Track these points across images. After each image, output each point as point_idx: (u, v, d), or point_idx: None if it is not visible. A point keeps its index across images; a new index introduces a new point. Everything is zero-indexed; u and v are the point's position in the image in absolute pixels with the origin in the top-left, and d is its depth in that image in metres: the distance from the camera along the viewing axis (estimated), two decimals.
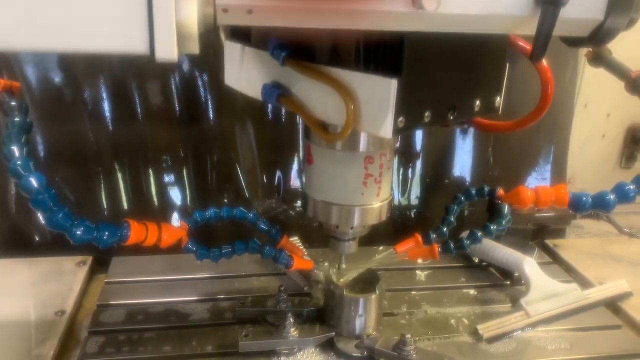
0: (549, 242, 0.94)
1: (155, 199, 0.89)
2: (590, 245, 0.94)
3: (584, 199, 0.59)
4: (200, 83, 0.85)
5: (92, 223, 0.50)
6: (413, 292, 0.78)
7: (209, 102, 0.86)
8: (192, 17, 0.34)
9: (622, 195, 0.58)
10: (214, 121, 0.87)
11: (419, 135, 0.94)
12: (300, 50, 0.48)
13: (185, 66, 0.84)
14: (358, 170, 0.55)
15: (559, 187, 0.61)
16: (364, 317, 0.64)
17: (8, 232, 0.86)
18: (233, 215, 0.64)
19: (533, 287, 0.75)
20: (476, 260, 0.86)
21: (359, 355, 0.63)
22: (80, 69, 0.81)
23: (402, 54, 0.43)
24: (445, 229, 0.67)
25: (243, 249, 0.62)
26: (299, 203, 0.93)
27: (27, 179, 0.46)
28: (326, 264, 0.70)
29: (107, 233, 0.50)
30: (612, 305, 0.76)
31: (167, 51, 0.34)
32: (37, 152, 0.83)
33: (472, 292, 0.79)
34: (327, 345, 0.65)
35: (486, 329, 0.68)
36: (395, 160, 0.94)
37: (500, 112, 0.54)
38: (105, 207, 0.88)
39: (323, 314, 0.68)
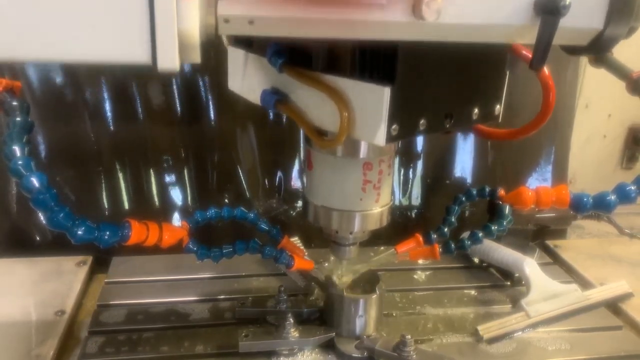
0: (550, 242, 0.94)
1: (156, 199, 0.89)
2: (590, 246, 0.94)
3: (585, 199, 0.59)
4: (201, 83, 0.85)
5: (93, 223, 0.50)
6: (413, 293, 0.78)
7: (210, 102, 0.86)
8: (194, 27, 0.34)
9: (623, 196, 0.58)
10: (214, 121, 0.87)
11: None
12: (298, 57, 0.49)
13: (186, 67, 0.84)
14: (356, 177, 0.55)
15: (559, 188, 0.61)
16: (364, 317, 0.64)
17: (9, 232, 0.86)
18: (234, 216, 0.64)
19: (533, 287, 0.74)
20: (476, 261, 0.86)
21: (359, 355, 0.63)
22: (81, 69, 0.81)
23: (396, 62, 0.43)
24: (446, 229, 0.67)
25: (244, 249, 0.62)
26: (299, 203, 0.93)
27: (28, 179, 0.46)
28: (326, 264, 0.70)
29: (108, 233, 0.50)
30: (613, 306, 0.76)
31: (169, 61, 0.34)
32: (38, 152, 0.84)
33: (472, 292, 0.79)
34: (327, 346, 0.65)
35: (486, 329, 0.68)
36: (397, 160, 0.94)
37: (500, 120, 0.54)
38: (106, 207, 0.88)
39: (323, 315, 0.68)
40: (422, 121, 0.46)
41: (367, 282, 0.66)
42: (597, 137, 1.11)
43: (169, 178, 0.89)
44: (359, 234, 0.61)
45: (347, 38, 0.39)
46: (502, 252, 0.81)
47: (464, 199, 0.69)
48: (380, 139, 0.44)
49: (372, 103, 0.44)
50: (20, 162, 0.46)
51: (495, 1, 0.39)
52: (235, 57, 0.56)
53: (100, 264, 0.83)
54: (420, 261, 0.84)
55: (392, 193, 0.60)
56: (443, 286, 0.80)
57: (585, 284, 0.81)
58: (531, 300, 0.73)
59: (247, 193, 0.92)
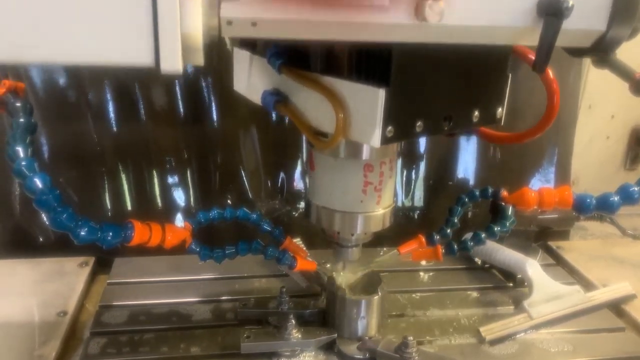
0: (552, 243, 0.94)
1: (158, 199, 0.90)
2: (593, 247, 0.94)
3: (588, 200, 0.58)
4: (204, 84, 0.85)
5: (96, 223, 0.50)
6: (415, 294, 0.78)
7: (213, 103, 0.86)
8: (197, 29, 0.34)
9: (627, 196, 0.57)
10: (217, 122, 0.88)
11: None
12: (298, 58, 0.49)
13: (189, 68, 0.84)
14: (357, 178, 0.55)
15: (562, 189, 0.61)
16: (366, 318, 0.64)
17: (12, 233, 0.86)
18: (236, 216, 0.64)
19: (536, 289, 0.74)
20: (479, 262, 0.86)
21: (361, 357, 0.62)
22: (84, 70, 0.81)
23: (390, 64, 0.43)
24: (448, 230, 0.67)
25: (246, 249, 0.62)
26: (302, 204, 0.93)
27: (31, 180, 0.46)
28: (328, 265, 0.70)
29: (111, 233, 0.50)
30: (616, 307, 0.76)
31: (172, 63, 0.34)
32: (41, 152, 0.84)
33: (474, 293, 0.79)
34: (329, 347, 0.64)
35: (489, 331, 0.68)
36: (399, 161, 0.94)
37: (502, 123, 0.54)
38: (109, 207, 0.88)
39: (325, 316, 0.68)
40: (419, 123, 0.46)
41: (369, 284, 0.66)
42: (600, 138, 1.11)
43: (172, 179, 0.89)
44: (361, 236, 0.61)
45: (349, 40, 0.39)
46: (505, 253, 0.80)
47: (466, 199, 0.69)
48: (376, 140, 0.44)
49: (368, 105, 0.44)
50: (23, 163, 0.46)
51: (498, 3, 0.39)
52: (241, 59, 0.57)
53: (102, 265, 0.83)
54: (423, 262, 0.84)
55: (395, 194, 0.60)
56: (445, 287, 0.80)
57: (587, 286, 0.81)
58: (533, 301, 0.73)
59: (250, 194, 0.92)
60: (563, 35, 0.39)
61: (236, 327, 0.68)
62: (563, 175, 1.00)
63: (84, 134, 0.84)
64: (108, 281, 0.78)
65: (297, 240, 0.80)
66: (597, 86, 1.01)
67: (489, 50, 0.45)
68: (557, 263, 0.89)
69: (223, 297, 0.75)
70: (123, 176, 0.88)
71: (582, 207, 0.59)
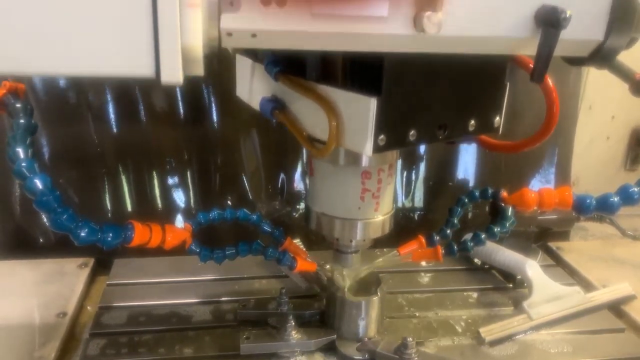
0: (552, 244, 0.94)
1: (159, 201, 0.90)
2: (593, 248, 0.94)
3: (588, 201, 0.59)
4: (204, 86, 0.85)
5: (96, 224, 0.50)
6: (415, 295, 0.78)
7: (213, 104, 0.86)
8: (197, 40, 0.34)
9: (627, 197, 0.58)
10: (217, 124, 0.88)
11: None
12: (295, 66, 0.49)
13: None
14: (355, 185, 0.56)
15: (563, 189, 0.61)
16: (366, 319, 0.64)
17: (12, 234, 0.86)
18: (236, 217, 0.64)
19: (536, 290, 0.74)
20: (479, 263, 0.86)
21: (361, 358, 0.62)
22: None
23: (382, 74, 0.43)
24: (448, 231, 0.67)
25: (246, 250, 0.62)
26: (301, 205, 0.93)
27: (32, 181, 0.46)
28: (328, 266, 0.70)
29: (111, 234, 0.50)
30: (616, 308, 0.76)
31: (173, 74, 0.34)
32: (41, 153, 0.84)
33: (474, 294, 0.79)
34: (329, 348, 0.64)
35: (488, 332, 0.68)
36: (399, 163, 0.94)
37: (500, 132, 0.53)
38: (109, 209, 0.88)
39: (324, 317, 0.68)
40: (412, 132, 0.46)
41: (369, 284, 0.66)
42: (601, 138, 1.11)
43: (172, 180, 0.89)
44: (360, 242, 0.61)
45: (348, 51, 0.39)
46: (505, 254, 0.80)
47: (466, 200, 0.69)
48: (368, 149, 0.44)
49: (360, 113, 0.44)
50: (23, 164, 0.46)
51: (496, 14, 0.39)
52: (243, 65, 0.57)
53: (102, 266, 0.83)
54: (423, 263, 0.84)
55: (395, 196, 0.60)
56: (445, 288, 0.80)
57: (587, 286, 0.81)
58: (533, 302, 0.73)
59: (250, 195, 0.92)
60: (561, 45, 0.39)
61: (236, 328, 0.68)
62: (563, 176, 1.00)
63: (84, 135, 0.84)
64: (108, 282, 0.78)
65: (297, 241, 0.80)
66: (598, 87, 1.02)
67: (486, 60, 0.45)
68: (557, 264, 0.88)
69: (223, 298, 0.75)
70: (123, 177, 0.88)
71: (582, 208, 0.59)
